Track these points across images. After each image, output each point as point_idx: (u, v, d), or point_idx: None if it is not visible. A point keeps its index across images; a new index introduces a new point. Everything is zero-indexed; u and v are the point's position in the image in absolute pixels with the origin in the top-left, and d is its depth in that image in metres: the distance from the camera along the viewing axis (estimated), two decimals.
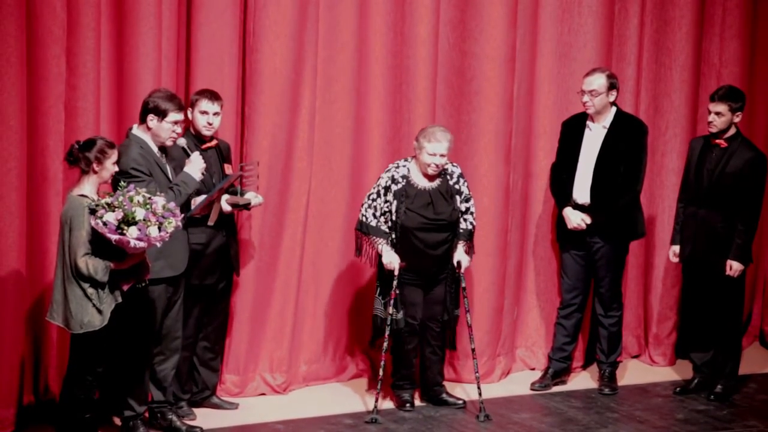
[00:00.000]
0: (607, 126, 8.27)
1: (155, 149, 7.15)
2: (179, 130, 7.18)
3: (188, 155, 7.27)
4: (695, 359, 8.50)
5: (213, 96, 7.51)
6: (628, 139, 8.24)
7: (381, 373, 7.86)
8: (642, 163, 8.29)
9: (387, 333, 7.81)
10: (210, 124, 7.52)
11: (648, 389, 8.59)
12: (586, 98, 8.22)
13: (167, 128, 7.12)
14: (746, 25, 9.19)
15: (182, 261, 7.26)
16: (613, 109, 8.29)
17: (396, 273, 7.80)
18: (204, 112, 7.49)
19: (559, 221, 8.43)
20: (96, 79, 7.44)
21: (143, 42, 7.52)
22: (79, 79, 7.37)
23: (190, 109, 7.52)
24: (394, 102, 8.41)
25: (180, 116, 7.14)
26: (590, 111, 8.25)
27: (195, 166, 7.20)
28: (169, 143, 7.17)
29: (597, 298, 8.47)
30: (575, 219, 8.29)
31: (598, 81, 8.19)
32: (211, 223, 7.41)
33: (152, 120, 7.12)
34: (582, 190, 8.28)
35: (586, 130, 8.33)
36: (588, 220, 8.26)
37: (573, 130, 8.38)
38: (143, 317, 7.13)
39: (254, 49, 7.95)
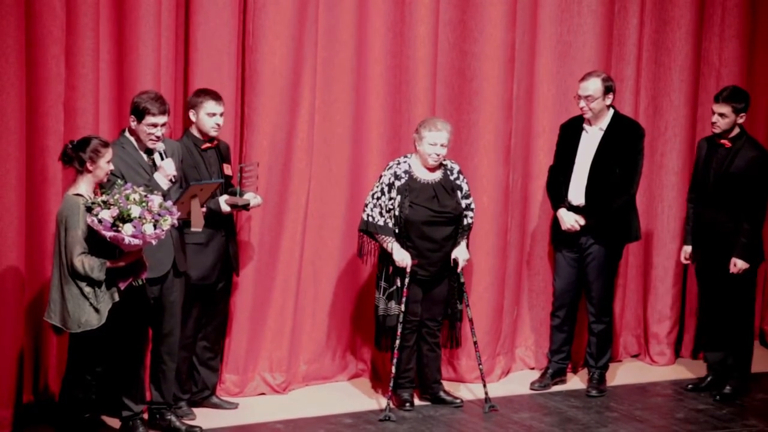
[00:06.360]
0: (604, 128, 8.25)
1: (140, 150, 7.16)
2: (159, 133, 7.12)
3: (162, 159, 7.19)
4: (709, 359, 8.49)
5: (217, 96, 7.53)
6: (624, 142, 8.22)
7: (394, 370, 7.88)
8: (638, 166, 8.26)
9: (399, 330, 7.84)
10: (218, 125, 7.54)
11: (648, 389, 8.58)
12: (582, 103, 8.19)
13: (144, 130, 7.12)
14: (746, 25, 9.18)
15: (164, 263, 7.21)
16: (611, 111, 8.28)
17: (408, 270, 7.81)
18: (211, 114, 7.50)
19: (555, 222, 8.42)
20: (95, 79, 7.45)
21: (142, 42, 7.53)
22: (78, 79, 7.38)
23: (192, 110, 7.53)
24: (394, 102, 8.41)
25: (159, 119, 7.09)
26: (587, 116, 8.23)
27: (163, 172, 7.15)
28: (150, 145, 7.16)
29: (588, 302, 8.43)
30: (569, 220, 8.28)
31: (594, 86, 8.16)
32: (194, 228, 7.24)
33: (133, 121, 7.14)
34: (577, 191, 8.27)
35: (583, 133, 8.31)
36: (582, 222, 8.25)
37: (570, 132, 8.36)
38: (138, 316, 7.14)
39: (253, 49, 7.95)
